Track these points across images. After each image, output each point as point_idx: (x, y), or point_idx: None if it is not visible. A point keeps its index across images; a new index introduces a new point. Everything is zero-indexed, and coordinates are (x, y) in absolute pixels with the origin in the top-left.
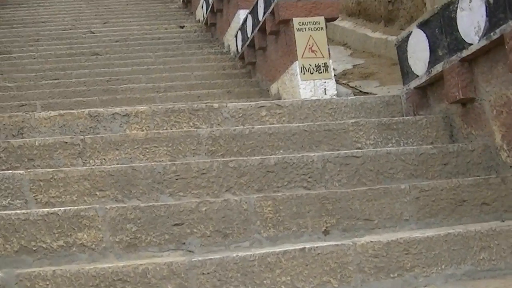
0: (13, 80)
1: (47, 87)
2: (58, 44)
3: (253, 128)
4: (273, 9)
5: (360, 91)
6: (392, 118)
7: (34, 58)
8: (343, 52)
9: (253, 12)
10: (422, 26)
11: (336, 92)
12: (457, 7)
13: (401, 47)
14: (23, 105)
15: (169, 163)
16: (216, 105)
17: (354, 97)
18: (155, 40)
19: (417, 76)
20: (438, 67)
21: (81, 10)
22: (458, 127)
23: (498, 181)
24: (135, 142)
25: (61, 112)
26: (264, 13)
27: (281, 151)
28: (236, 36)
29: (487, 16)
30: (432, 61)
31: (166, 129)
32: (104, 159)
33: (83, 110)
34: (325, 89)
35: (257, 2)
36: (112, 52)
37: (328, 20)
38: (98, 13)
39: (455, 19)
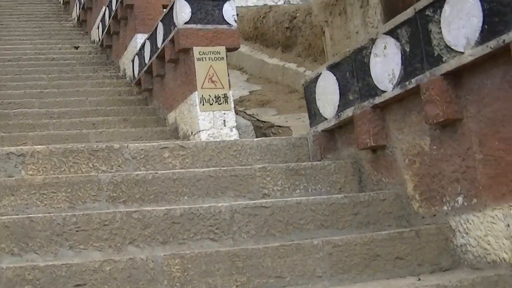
0: None
1: None
2: None
3: (156, 173)
4: (173, 36)
5: (258, 120)
6: (300, 164)
7: None
8: (240, 77)
9: (152, 38)
10: (332, 68)
11: (235, 124)
12: (370, 52)
13: (309, 88)
14: None
15: (69, 214)
16: (116, 146)
17: (260, 139)
18: (48, 60)
19: (326, 119)
20: (349, 112)
21: None
22: (367, 173)
23: (412, 235)
24: (32, 187)
25: None
26: (164, 40)
27: (186, 197)
28: (133, 61)
29: (402, 64)
30: (342, 105)
31: (64, 170)
32: None
33: None
34: (224, 120)
35: (156, 28)
36: (4, 72)
37: (229, 50)
38: None
39: (368, 64)
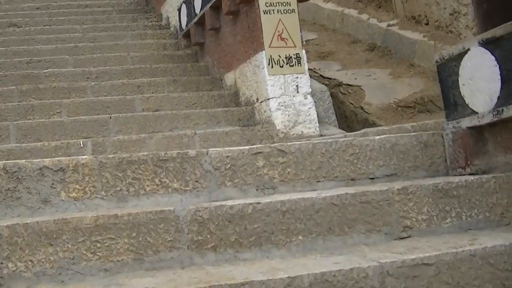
0: None
1: None
2: None
3: (258, 203)
4: None
5: (321, 76)
6: (450, 181)
7: None
8: None
9: None
10: (489, 45)
11: (310, 90)
12: None
13: (447, 67)
14: None
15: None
16: (192, 153)
17: (383, 137)
18: (81, 8)
19: (475, 113)
20: None
21: None
22: None
23: None
24: (79, 232)
25: None
26: None
27: (300, 237)
28: (179, 10)
29: None
30: (505, 97)
31: (121, 189)
32: (31, 260)
33: None
34: (297, 86)
35: None
36: (33, 23)
37: (300, 0)
38: None
39: None
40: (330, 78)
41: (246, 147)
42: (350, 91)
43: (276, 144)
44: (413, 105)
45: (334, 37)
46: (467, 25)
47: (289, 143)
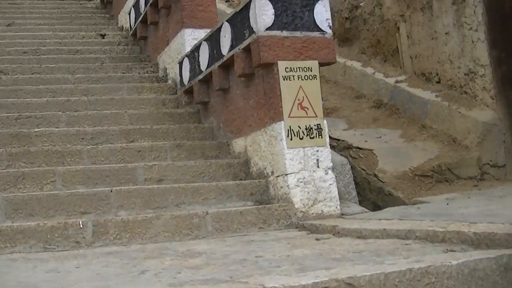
0: None
1: None
2: None
3: None
4: (248, 45)
5: (329, 136)
6: None
7: None
8: None
9: (212, 40)
10: None
11: (331, 164)
12: None
13: None
14: None
15: None
16: None
17: (460, 262)
18: (72, 53)
19: None
20: None
21: None
22: None
23: None
24: None
25: None
26: (232, 46)
27: None
28: (180, 64)
29: None
30: None
31: None
32: None
33: None
34: (317, 160)
35: (219, 30)
36: (20, 70)
37: (322, 65)
38: (0, 10)
39: None
40: (338, 140)
41: (310, 282)
42: (361, 155)
43: (344, 276)
44: (430, 174)
45: (336, 90)
46: (484, 87)
47: (358, 275)
